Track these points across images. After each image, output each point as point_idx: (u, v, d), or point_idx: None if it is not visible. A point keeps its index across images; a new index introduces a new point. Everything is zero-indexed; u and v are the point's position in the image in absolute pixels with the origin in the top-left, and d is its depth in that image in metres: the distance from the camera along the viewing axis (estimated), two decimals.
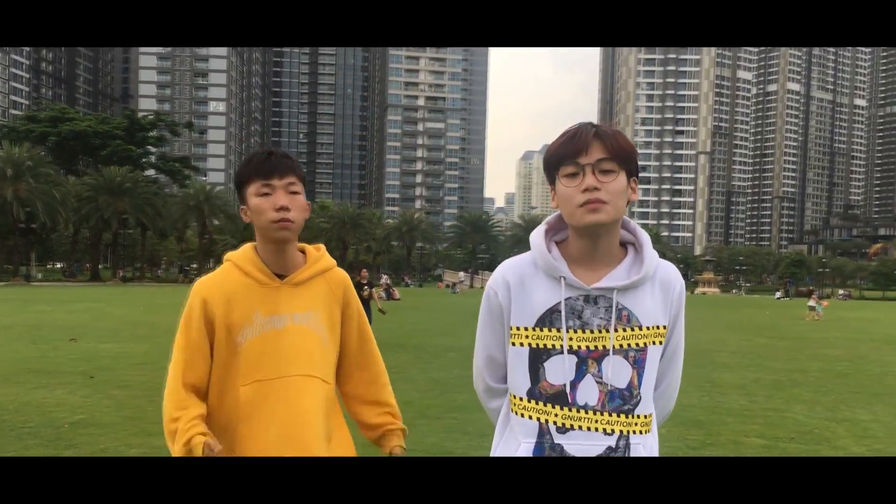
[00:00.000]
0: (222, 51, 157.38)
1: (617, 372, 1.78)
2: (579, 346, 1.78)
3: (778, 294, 73.99)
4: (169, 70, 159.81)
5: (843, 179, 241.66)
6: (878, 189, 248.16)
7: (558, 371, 1.79)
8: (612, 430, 1.77)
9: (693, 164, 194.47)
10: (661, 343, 1.82)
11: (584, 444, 1.78)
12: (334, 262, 2.29)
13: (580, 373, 1.78)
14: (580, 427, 1.78)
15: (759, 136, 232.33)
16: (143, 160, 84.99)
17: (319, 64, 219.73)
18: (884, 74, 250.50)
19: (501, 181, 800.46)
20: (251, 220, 2.16)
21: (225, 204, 78.03)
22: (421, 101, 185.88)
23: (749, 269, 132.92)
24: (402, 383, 9.77)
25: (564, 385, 1.79)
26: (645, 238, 1.86)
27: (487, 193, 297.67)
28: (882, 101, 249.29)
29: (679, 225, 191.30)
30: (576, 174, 1.75)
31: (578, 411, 1.78)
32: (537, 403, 1.82)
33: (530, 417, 1.82)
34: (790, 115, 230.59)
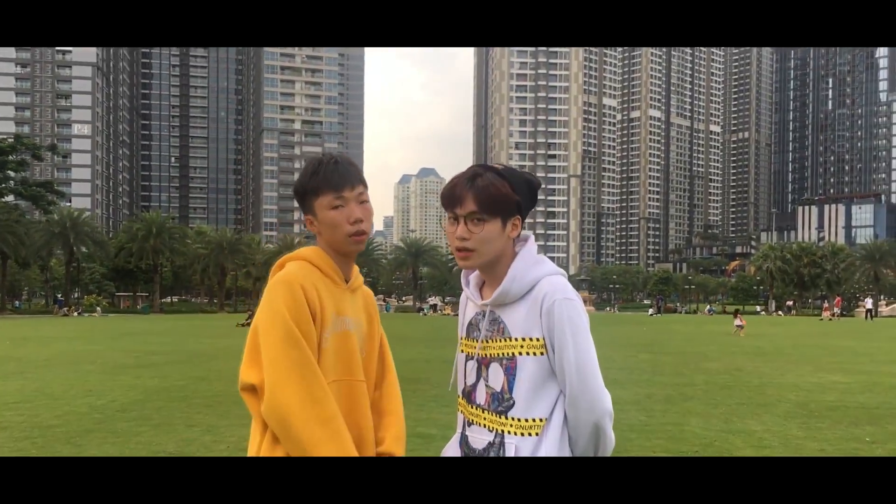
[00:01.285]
0: (86, 70, 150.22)
1: (494, 377, 2.04)
2: (476, 353, 2.08)
3: (651, 311, 77.36)
4: (28, 91, 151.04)
5: (702, 201, 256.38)
6: (733, 210, 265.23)
7: (468, 374, 2.12)
8: (493, 428, 2.02)
9: (565, 186, 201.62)
10: (536, 353, 1.99)
11: (477, 437, 2.06)
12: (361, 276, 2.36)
13: (478, 376, 2.08)
14: (476, 423, 2.07)
15: (624, 160, 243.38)
16: (3, 185, 79.76)
17: (191, 87, 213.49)
18: (735, 102, 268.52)
19: (379, 205, 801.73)
20: (319, 232, 2.16)
21: (93, 230, 74.13)
22: (297, 125, 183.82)
23: (621, 287, 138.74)
24: None
25: (470, 386, 2.11)
26: (518, 259, 2.07)
27: None
28: (734, 128, 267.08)
29: (554, 246, 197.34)
30: (455, 221, 2.03)
31: (475, 409, 2.08)
32: (462, 400, 2.16)
33: (460, 412, 2.17)
34: (652, 141, 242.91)
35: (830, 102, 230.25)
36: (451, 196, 2.02)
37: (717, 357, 19.49)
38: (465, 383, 2.13)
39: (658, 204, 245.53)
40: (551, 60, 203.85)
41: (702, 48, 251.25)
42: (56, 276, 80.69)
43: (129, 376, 14.09)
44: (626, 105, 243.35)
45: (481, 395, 2.07)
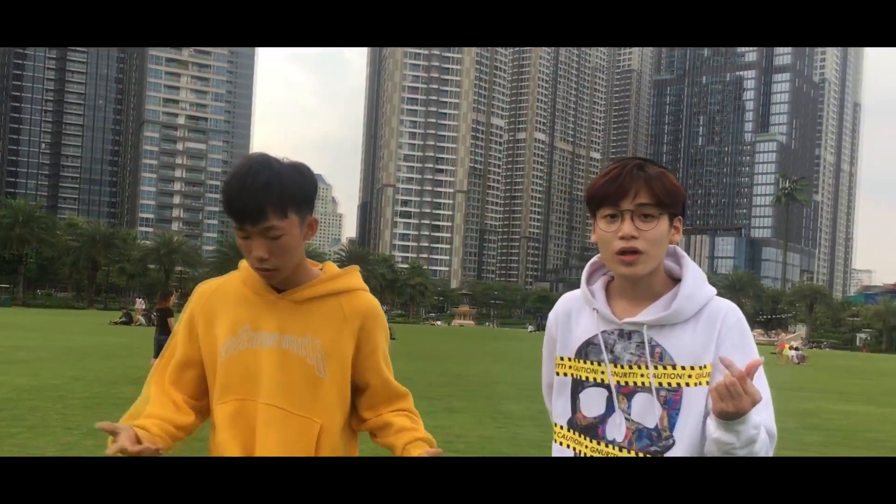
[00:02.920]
0: None
1: (644, 410, 1.72)
2: (609, 381, 1.76)
3: (530, 327, 79.24)
4: None
5: (581, 223, 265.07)
6: None
7: (591, 403, 1.78)
8: None
9: (451, 201, 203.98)
10: (703, 384, 1.69)
11: None
12: (361, 285, 2.01)
13: (610, 407, 1.76)
14: None
15: (509, 179, 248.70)
16: None
17: (68, 70, 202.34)
18: (615, 131, 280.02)
19: None
20: None
21: None
22: (181, 120, 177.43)
23: (501, 303, 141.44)
24: None
25: (595, 418, 1.78)
26: (689, 273, 1.79)
27: None
28: (613, 155, 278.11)
29: (437, 259, 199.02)
30: (615, 217, 1.72)
31: (607, 446, 1.75)
32: (574, 433, 1.81)
33: (567, 446, 1.82)
34: (536, 162, 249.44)
35: (701, 139, 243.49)
36: (615, 184, 1.72)
37: None
38: (583, 413, 1.80)
39: (539, 224, 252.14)
40: (444, 77, 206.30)
41: (586, 76, 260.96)
42: None
43: None
44: (513, 126, 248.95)
45: (617, 431, 1.74)
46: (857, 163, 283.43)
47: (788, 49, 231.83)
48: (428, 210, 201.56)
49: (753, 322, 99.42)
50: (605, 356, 1.76)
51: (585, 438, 1.79)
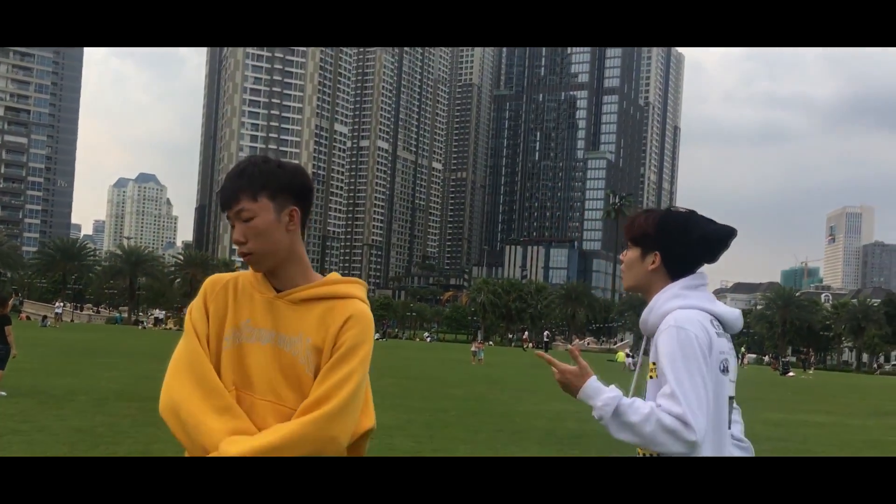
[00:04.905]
0: None
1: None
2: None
3: (377, 335, 79.11)
4: None
5: (422, 232, 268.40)
6: (449, 243, 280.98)
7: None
8: None
9: None
10: (654, 377, 2.18)
11: None
12: (356, 292, 2.06)
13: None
14: None
15: (352, 187, 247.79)
16: None
17: None
18: (456, 143, 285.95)
19: (90, 207, 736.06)
20: None
21: None
22: (0, 111, 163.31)
23: None
24: (37, 434, 8.75)
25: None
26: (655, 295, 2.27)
27: (74, 219, 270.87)
28: (454, 167, 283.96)
29: None
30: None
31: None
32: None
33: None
34: (379, 170, 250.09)
35: (537, 154, 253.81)
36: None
37: (459, 384, 20.46)
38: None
39: (381, 232, 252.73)
40: (286, 80, 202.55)
41: (429, 87, 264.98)
42: None
43: None
44: (356, 133, 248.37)
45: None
46: (675, 181, 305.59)
47: (617, 72, 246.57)
48: None
49: (586, 330, 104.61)
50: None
51: None
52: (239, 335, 1.99)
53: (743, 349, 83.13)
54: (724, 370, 2.14)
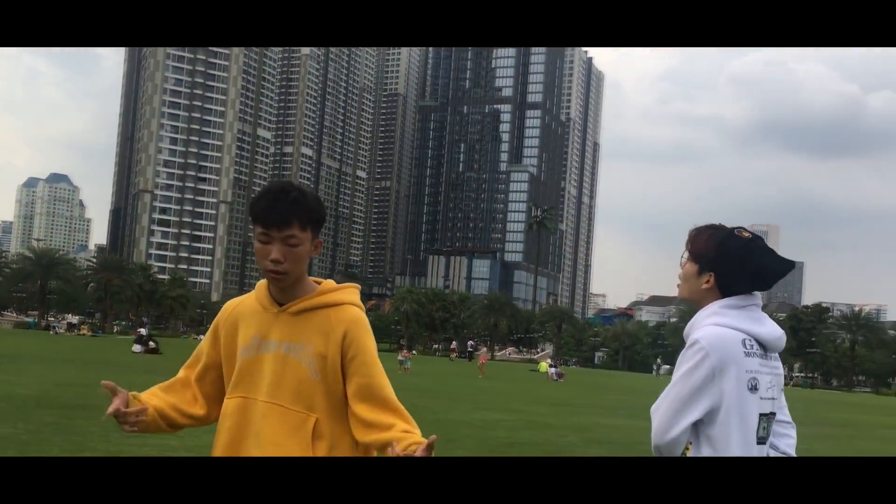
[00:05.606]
0: None
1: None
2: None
3: None
4: None
5: (346, 241, 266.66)
6: (372, 252, 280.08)
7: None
8: None
9: (214, 211, 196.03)
10: None
11: None
12: (350, 299, 2.31)
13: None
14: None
15: None
16: None
17: None
18: (381, 152, 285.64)
19: None
20: None
21: None
22: None
23: None
24: None
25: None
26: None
27: None
28: (379, 176, 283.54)
29: (197, 270, 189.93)
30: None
31: None
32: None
33: None
34: (303, 177, 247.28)
35: (461, 165, 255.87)
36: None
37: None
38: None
39: None
40: (209, 82, 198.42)
41: (355, 95, 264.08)
42: None
43: None
44: (280, 139, 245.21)
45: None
46: (595, 196, 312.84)
47: (540, 87, 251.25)
48: (188, 219, 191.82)
49: (507, 341, 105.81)
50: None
51: None
52: (250, 349, 2.27)
53: (659, 360, 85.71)
54: (753, 388, 2.19)
